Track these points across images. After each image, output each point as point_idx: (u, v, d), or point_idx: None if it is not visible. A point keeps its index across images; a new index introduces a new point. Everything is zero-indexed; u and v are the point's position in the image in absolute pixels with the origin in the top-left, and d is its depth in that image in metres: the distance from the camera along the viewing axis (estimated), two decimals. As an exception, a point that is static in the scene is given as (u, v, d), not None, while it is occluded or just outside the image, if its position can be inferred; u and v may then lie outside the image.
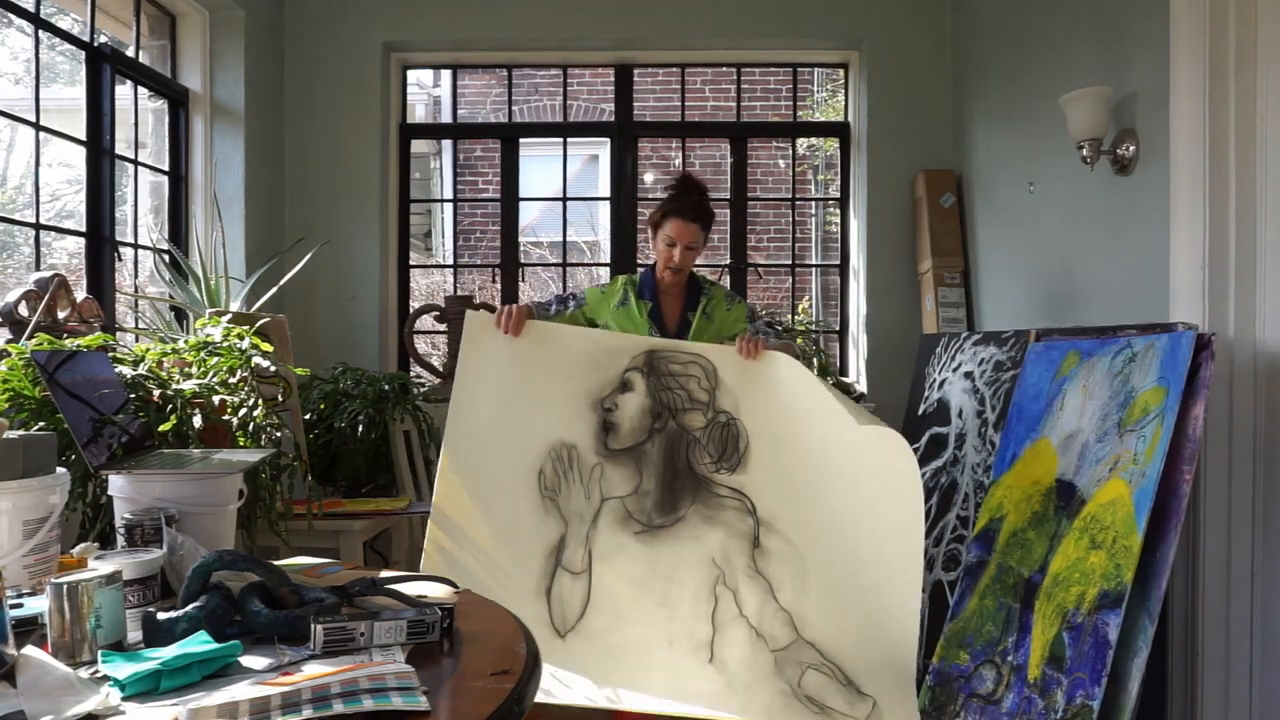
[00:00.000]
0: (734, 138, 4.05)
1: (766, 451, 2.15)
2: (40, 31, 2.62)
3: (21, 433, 1.48)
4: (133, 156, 3.11)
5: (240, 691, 1.03)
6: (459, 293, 4.81)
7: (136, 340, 2.87)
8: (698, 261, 2.58)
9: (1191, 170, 2.11)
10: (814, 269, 6.01)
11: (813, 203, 6.56)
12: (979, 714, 2.15)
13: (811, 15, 3.72)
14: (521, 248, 4.23)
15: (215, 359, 2.28)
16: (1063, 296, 2.79)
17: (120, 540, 1.53)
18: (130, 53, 3.06)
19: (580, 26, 3.75)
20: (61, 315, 2.29)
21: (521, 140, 4.06)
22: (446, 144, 7.13)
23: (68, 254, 5.43)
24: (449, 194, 7.20)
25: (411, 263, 4.01)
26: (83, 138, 2.80)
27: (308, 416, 3.11)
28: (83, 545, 1.57)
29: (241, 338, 2.37)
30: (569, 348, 2.24)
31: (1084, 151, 2.41)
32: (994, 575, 2.31)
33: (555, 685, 2.04)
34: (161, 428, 2.00)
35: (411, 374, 3.80)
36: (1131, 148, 2.37)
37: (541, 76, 6.87)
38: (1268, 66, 2.03)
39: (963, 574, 2.45)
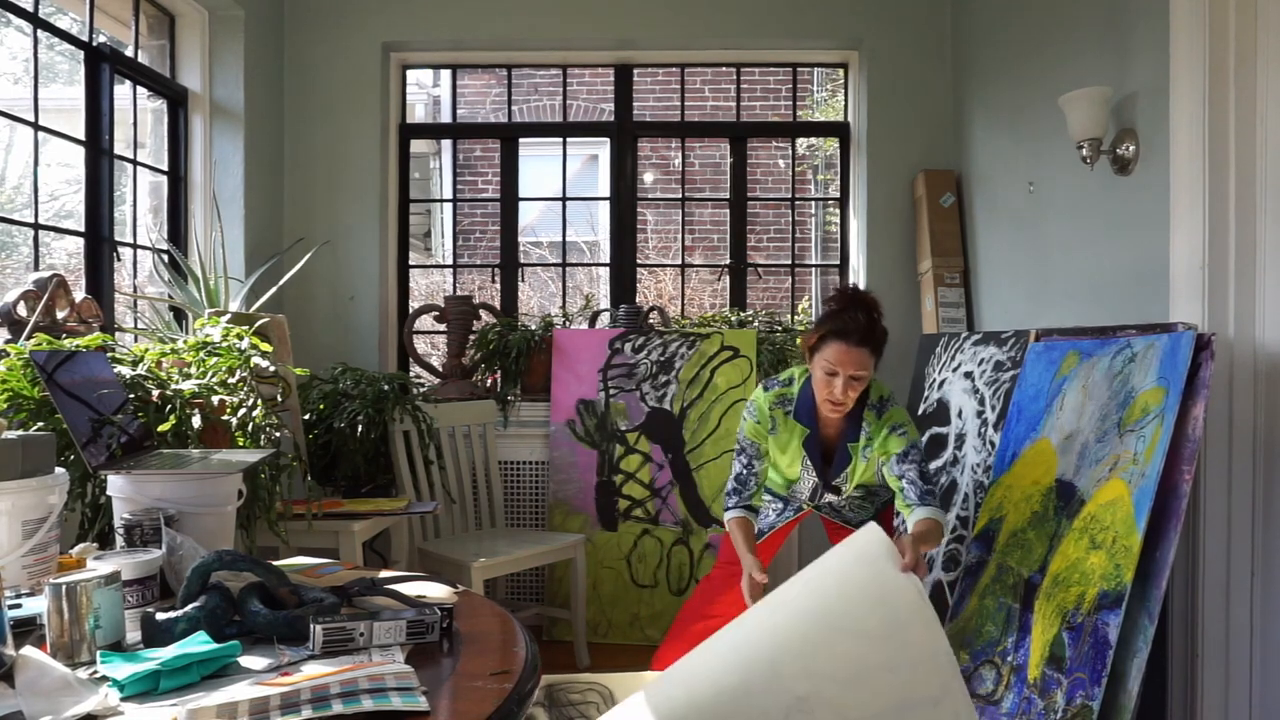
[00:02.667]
0: (734, 138, 4.05)
1: None
2: (39, 31, 2.62)
3: (20, 433, 1.48)
4: (132, 156, 3.10)
5: (239, 692, 1.02)
6: (459, 293, 4.81)
7: (135, 340, 2.87)
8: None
9: (1191, 170, 2.11)
10: (814, 269, 6.01)
11: (812, 203, 6.56)
12: (979, 714, 2.15)
13: (811, 15, 3.72)
14: (521, 248, 4.23)
15: (214, 359, 2.28)
16: (1063, 296, 2.78)
17: (119, 540, 1.53)
18: (129, 52, 3.06)
19: (580, 26, 3.75)
20: (60, 315, 2.29)
21: (521, 140, 4.06)
22: (446, 144, 7.13)
23: (67, 254, 5.43)
24: (449, 194, 7.20)
25: (411, 263, 4.01)
26: (82, 138, 2.80)
27: (307, 416, 3.11)
28: (82, 545, 1.57)
29: (241, 338, 2.37)
30: None
31: (1084, 151, 2.40)
32: (994, 575, 2.31)
33: None
34: (161, 428, 2.00)
35: (411, 374, 3.80)
36: (1131, 148, 2.37)
37: (541, 76, 6.87)
38: (1268, 66, 2.03)
39: (962, 574, 2.45)
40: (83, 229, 2.85)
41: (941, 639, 1.55)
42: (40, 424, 1.80)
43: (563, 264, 4.15)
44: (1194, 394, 1.89)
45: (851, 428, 2.20)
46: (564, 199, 4.13)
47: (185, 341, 2.38)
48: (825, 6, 3.71)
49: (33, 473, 1.42)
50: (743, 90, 4.15)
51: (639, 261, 4.08)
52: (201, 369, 2.26)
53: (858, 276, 3.82)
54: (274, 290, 3.23)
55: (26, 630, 1.23)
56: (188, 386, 2.14)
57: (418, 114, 6.83)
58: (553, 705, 2.19)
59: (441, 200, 7.40)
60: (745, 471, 2.27)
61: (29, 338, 2.04)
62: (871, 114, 3.72)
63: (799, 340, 2.42)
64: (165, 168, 3.29)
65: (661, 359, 3.56)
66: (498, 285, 4.08)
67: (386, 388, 3.19)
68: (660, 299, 6.33)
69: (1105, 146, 2.42)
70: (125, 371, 2.09)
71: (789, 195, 6.49)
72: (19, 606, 1.28)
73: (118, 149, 2.94)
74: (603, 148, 6.03)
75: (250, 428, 2.21)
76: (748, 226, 4.03)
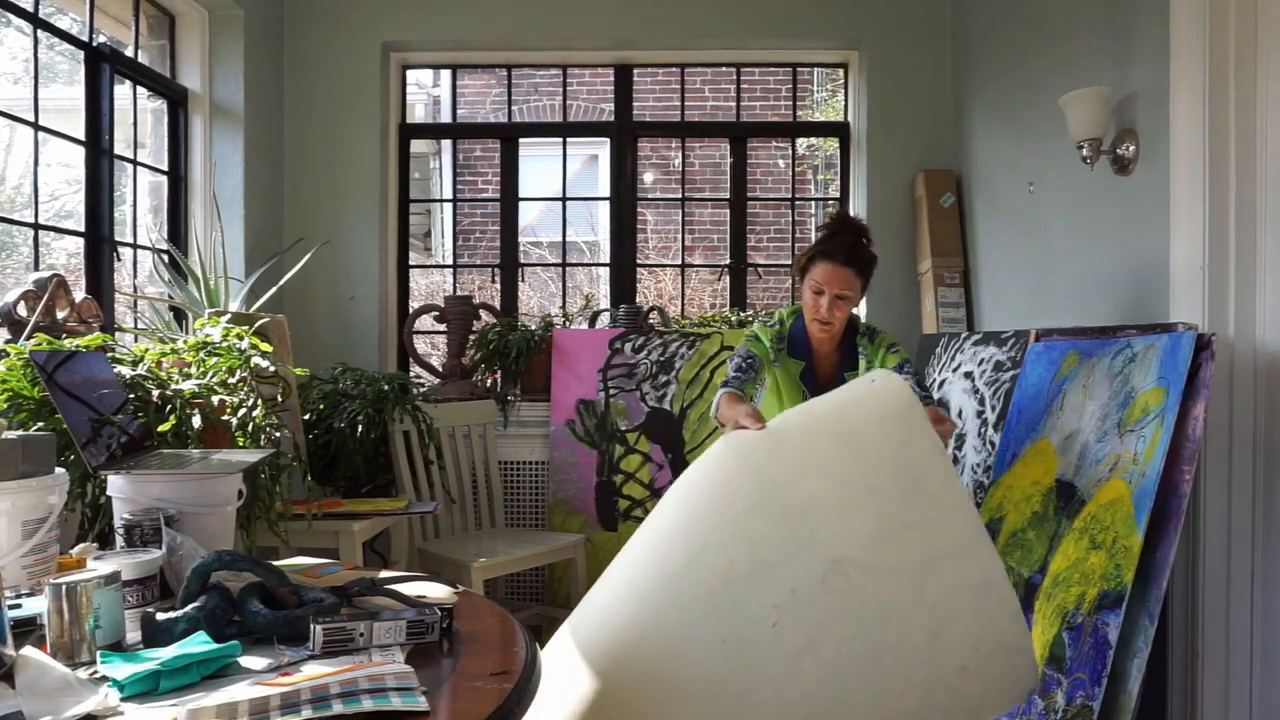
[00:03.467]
0: (734, 138, 4.05)
1: None
2: (39, 31, 2.62)
3: (20, 433, 1.47)
4: (132, 156, 3.10)
5: (239, 692, 1.02)
6: (458, 293, 4.81)
7: (136, 340, 2.87)
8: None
9: (1191, 170, 2.11)
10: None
11: (812, 203, 6.56)
12: (979, 714, 2.15)
13: (811, 15, 3.72)
14: (521, 248, 4.23)
15: (214, 359, 2.28)
16: (1063, 296, 2.78)
17: (119, 541, 1.53)
18: (129, 52, 3.06)
19: (580, 26, 3.75)
20: (60, 315, 2.29)
21: (521, 140, 4.06)
22: (446, 144, 7.13)
23: (67, 254, 5.43)
24: (449, 194, 7.20)
25: (411, 263, 4.01)
26: (82, 138, 2.80)
27: (307, 417, 3.11)
28: (82, 546, 1.57)
29: (241, 338, 2.37)
30: None
31: (1084, 151, 2.40)
32: (994, 575, 2.30)
33: None
34: (161, 428, 2.00)
35: (411, 374, 3.80)
36: (1131, 148, 2.37)
37: (541, 76, 6.87)
38: (1268, 67, 2.03)
39: (963, 574, 2.44)
40: (83, 229, 2.85)
41: (961, 492, 1.64)
42: (40, 424, 1.80)
43: (563, 264, 4.15)
44: (1194, 394, 1.89)
45: (847, 357, 2.26)
46: (564, 199, 4.13)
47: (185, 341, 2.38)
48: (825, 6, 3.71)
49: (33, 473, 1.42)
50: (743, 90, 4.15)
51: (639, 261, 4.08)
52: (201, 369, 2.25)
53: (858, 276, 3.81)
54: (274, 290, 3.23)
55: (26, 630, 1.23)
56: (188, 386, 2.14)
57: (418, 114, 6.83)
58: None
59: (441, 200, 7.40)
60: (742, 366, 2.18)
61: (29, 338, 2.04)
62: (871, 114, 3.72)
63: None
64: (165, 168, 3.29)
65: (661, 359, 3.56)
66: (498, 285, 4.08)
67: (386, 388, 3.19)
68: (660, 299, 6.33)
69: (1105, 146, 2.42)
70: (125, 371, 2.09)
71: (789, 195, 6.49)
72: (19, 606, 1.28)
73: (118, 149, 2.94)
74: (603, 148, 6.03)
75: (250, 428, 2.21)
76: (748, 226, 4.03)
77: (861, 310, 3.75)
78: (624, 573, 1.73)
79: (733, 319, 3.81)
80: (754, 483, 1.67)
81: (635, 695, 1.57)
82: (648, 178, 7.13)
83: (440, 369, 3.73)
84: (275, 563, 1.47)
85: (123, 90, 3.01)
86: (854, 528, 1.57)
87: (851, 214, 2.38)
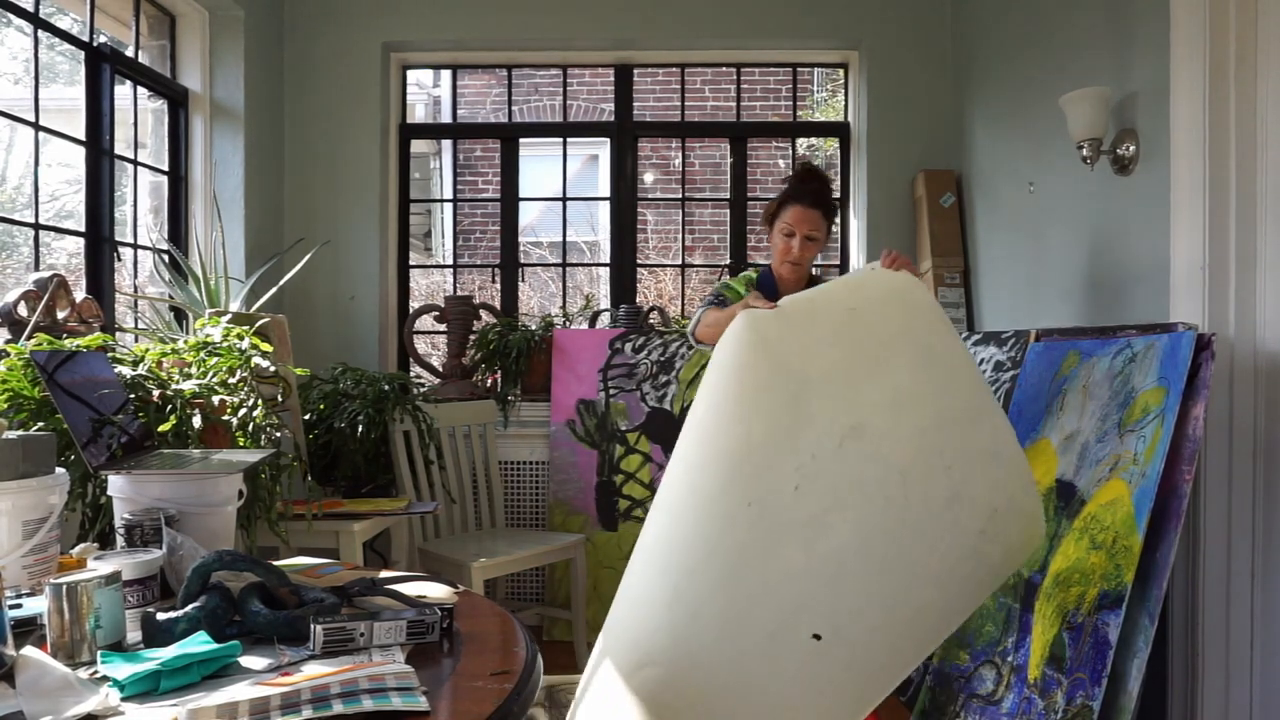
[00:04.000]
0: (734, 138, 4.05)
1: None
2: (39, 31, 2.62)
3: (21, 433, 1.48)
4: (132, 156, 3.10)
5: (240, 692, 1.02)
6: (459, 293, 4.81)
7: (136, 340, 2.87)
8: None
9: (1191, 170, 2.11)
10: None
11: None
12: (979, 714, 2.15)
13: (811, 15, 3.72)
14: (521, 248, 4.23)
15: (215, 359, 2.28)
16: (1063, 296, 2.78)
17: (120, 540, 1.53)
18: (130, 53, 3.06)
19: (580, 26, 3.75)
20: (61, 315, 2.29)
21: (521, 140, 4.06)
22: (446, 144, 7.13)
23: (67, 254, 5.43)
24: (449, 194, 7.20)
25: (411, 263, 4.01)
26: (82, 138, 2.80)
27: (307, 416, 3.11)
28: (82, 546, 1.57)
29: (241, 338, 2.37)
30: None
31: (1084, 151, 2.40)
32: (994, 575, 2.31)
33: None
34: (161, 428, 2.00)
35: (411, 374, 3.80)
36: (1131, 148, 2.37)
37: (541, 76, 6.87)
38: (1268, 66, 2.03)
39: (963, 574, 2.45)
40: (83, 229, 2.85)
41: (967, 358, 1.77)
42: (40, 424, 1.80)
43: (563, 264, 4.15)
44: (1194, 394, 1.89)
45: None
46: (564, 199, 4.14)
47: (185, 341, 2.38)
48: (825, 6, 3.71)
49: (33, 473, 1.42)
50: (743, 90, 4.15)
51: (639, 261, 4.08)
52: (202, 369, 2.26)
53: (858, 276, 3.82)
54: (274, 290, 3.23)
55: (27, 630, 1.23)
56: (188, 386, 2.14)
57: (418, 114, 6.83)
58: (553, 706, 2.19)
59: (442, 200, 7.40)
60: (714, 301, 2.31)
61: (29, 338, 2.04)
62: (871, 114, 3.72)
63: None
64: (165, 168, 3.29)
65: (661, 359, 3.56)
66: (498, 285, 4.08)
67: (387, 388, 3.19)
68: (660, 299, 6.33)
69: (1105, 146, 2.42)
70: (125, 371, 2.09)
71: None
72: (19, 606, 1.28)
73: (118, 149, 2.94)
74: (603, 148, 6.02)
75: (250, 428, 2.21)
76: (748, 226, 4.03)
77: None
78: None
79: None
80: (765, 358, 1.73)
81: (659, 552, 1.63)
82: (648, 178, 7.13)
83: (440, 369, 3.73)
84: (275, 563, 1.48)
85: (123, 90, 3.01)
86: (867, 396, 1.65)
87: (813, 163, 2.60)
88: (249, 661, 1.15)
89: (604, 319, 3.88)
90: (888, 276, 1.92)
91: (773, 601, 1.53)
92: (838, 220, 4.02)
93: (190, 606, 1.23)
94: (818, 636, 1.50)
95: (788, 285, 2.40)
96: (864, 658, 1.55)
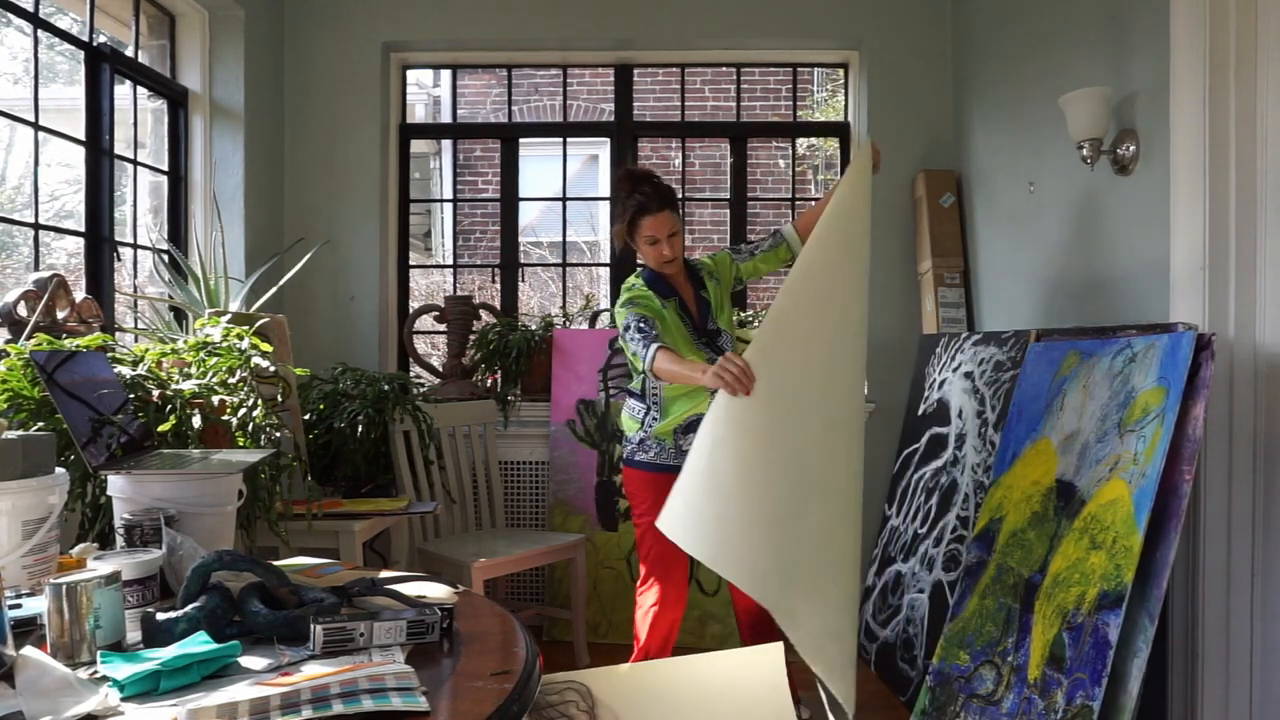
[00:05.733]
0: (734, 138, 4.05)
1: None
2: (39, 31, 2.62)
3: (21, 433, 1.48)
4: (132, 156, 3.10)
5: (239, 692, 1.02)
6: (459, 293, 4.81)
7: (136, 340, 2.87)
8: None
9: (1191, 170, 2.11)
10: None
11: (813, 203, 6.56)
12: (979, 714, 2.15)
13: (811, 15, 3.72)
14: (521, 248, 4.23)
15: (215, 359, 2.28)
16: (1063, 296, 2.78)
17: (119, 540, 1.53)
18: (129, 52, 3.06)
19: (580, 26, 3.75)
20: (60, 315, 2.29)
21: (521, 140, 4.06)
22: (446, 144, 7.13)
23: (67, 254, 5.44)
24: (449, 194, 7.20)
25: (411, 263, 4.01)
26: (82, 138, 2.80)
27: (307, 416, 3.11)
28: (82, 546, 1.57)
29: (241, 338, 2.37)
30: None
31: (1084, 151, 2.40)
32: (994, 575, 2.30)
33: None
34: (161, 428, 2.00)
35: (411, 374, 3.80)
36: (1131, 148, 2.37)
37: (541, 76, 6.87)
38: (1268, 66, 2.03)
39: (963, 574, 2.45)
40: (83, 229, 2.85)
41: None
42: (40, 424, 1.80)
43: (563, 264, 4.16)
44: (1194, 394, 1.89)
45: (695, 282, 2.61)
46: (564, 199, 4.14)
47: (185, 342, 2.38)
48: (825, 6, 3.71)
49: (33, 473, 1.42)
50: (743, 90, 4.15)
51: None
52: (202, 369, 2.25)
53: (858, 276, 3.82)
54: (274, 290, 3.23)
55: (27, 630, 1.23)
56: (188, 386, 2.14)
57: (418, 114, 6.83)
58: (533, 706, 2.17)
59: (442, 200, 7.40)
60: (643, 327, 2.36)
61: (29, 338, 2.04)
62: (871, 114, 3.72)
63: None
64: (165, 168, 3.29)
65: (661, 359, 3.55)
66: (498, 285, 4.08)
67: (386, 388, 3.19)
68: (660, 299, 6.32)
69: (1105, 146, 2.42)
70: (125, 371, 2.09)
71: (789, 195, 6.49)
72: (19, 606, 1.28)
73: (118, 149, 2.94)
74: (603, 148, 6.03)
75: (250, 428, 2.21)
76: (748, 227, 4.03)
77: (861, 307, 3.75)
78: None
79: (733, 318, 3.81)
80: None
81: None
82: (648, 178, 7.13)
83: (440, 369, 3.73)
84: (275, 563, 1.48)
85: (123, 90, 3.01)
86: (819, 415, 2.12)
87: (631, 166, 2.73)
88: (249, 661, 1.15)
89: (604, 319, 3.88)
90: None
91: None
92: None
93: (190, 606, 1.23)
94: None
95: (674, 280, 2.56)
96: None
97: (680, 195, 4.27)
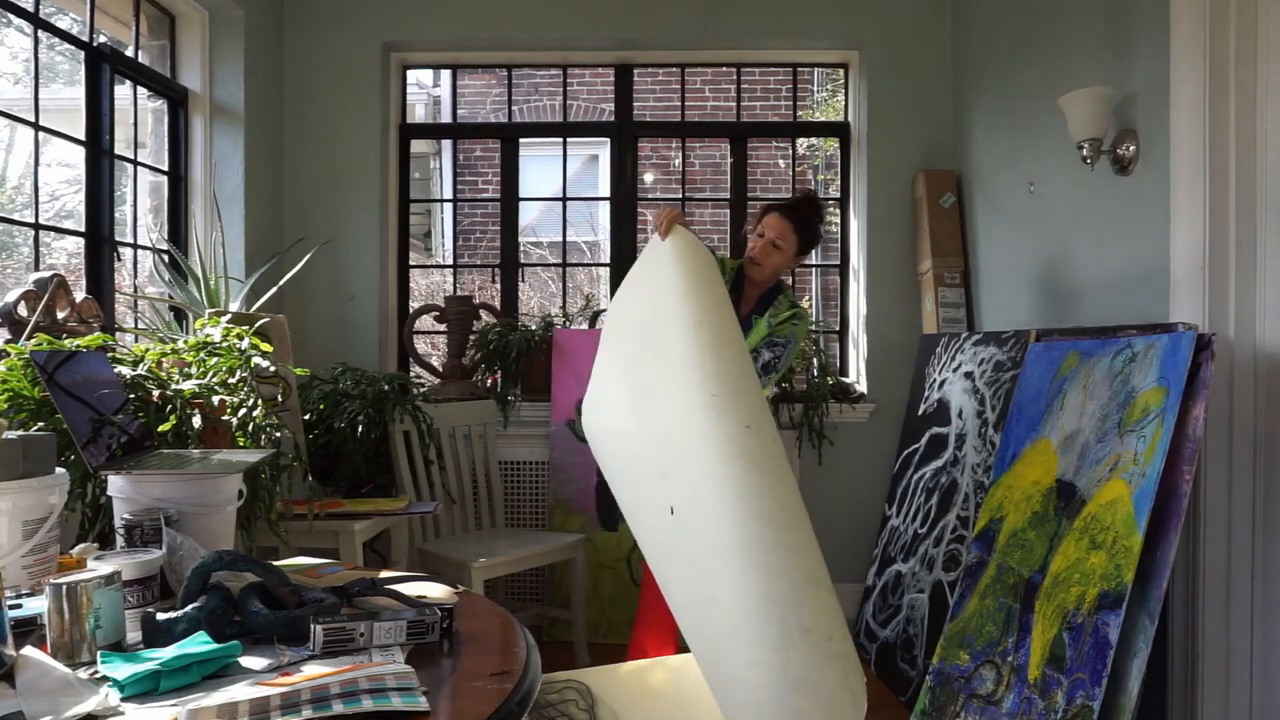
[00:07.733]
0: (734, 138, 4.05)
1: None
2: (39, 31, 2.62)
3: (21, 433, 1.47)
4: (132, 156, 3.10)
5: (240, 692, 1.02)
6: (459, 293, 4.81)
7: (136, 340, 2.87)
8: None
9: (1191, 170, 2.11)
10: (814, 269, 6.00)
11: (812, 203, 6.55)
12: (979, 714, 2.15)
13: (811, 15, 3.72)
14: (521, 248, 4.23)
15: (215, 359, 2.27)
16: (1063, 296, 2.78)
17: (120, 541, 1.53)
18: (130, 52, 3.06)
19: (580, 26, 3.75)
20: (61, 315, 2.29)
21: (521, 140, 4.06)
22: (446, 144, 7.13)
23: (67, 254, 5.44)
24: (449, 194, 7.20)
25: (411, 263, 4.01)
26: (82, 138, 2.80)
27: (307, 417, 3.11)
28: (82, 546, 1.57)
29: (241, 338, 2.37)
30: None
31: (1084, 151, 2.40)
32: (994, 575, 2.31)
33: None
34: (161, 428, 2.00)
35: (411, 374, 3.80)
36: (1131, 148, 2.37)
37: (541, 76, 6.87)
38: (1268, 66, 2.03)
39: (963, 574, 2.45)
40: (83, 229, 2.85)
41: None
42: (40, 424, 1.80)
43: (563, 264, 4.15)
44: (1194, 394, 1.89)
45: (762, 305, 2.62)
46: (564, 199, 4.13)
47: (185, 342, 2.37)
48: (825, 6, 3.71)
49: (33, 473, 1.42)
50: (743, 90, 4.15)
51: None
52: (202, 369, 2.25)
53: (858, 276, 3.82)
54: (274, 290, 3.23)
55: (27, 630, 1.23)
56: (188, 386, 2.14)
57: (418, 114, 6.82)
58: (533, 706, 2.18)
59: (442, 200, 7.39)
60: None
61: (29, 338, 2.04)
62: (871, 114, 3.72)
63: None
64: (165, 168, 3.29)
65: (661, 359, 3.55)
66: (498, 285, 4.08)
67: (386, 388, 3.19)
68: (660, 299, 6.31)
69: (1105, 146, 2.42)
70: (125, 371, 2.09)
71: (789, 195, 6.48)
72: (19, 606, 1.28)
73: (118, 149, 2.94)
74: (603, 148, 6.03)
75: (250, 428, 2.21)
76: (748, 226, 4.03)
77: (862, 308, 3.75)
78: None
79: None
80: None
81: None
82: (648, 178, 7.13)
83: (440, 369, 3.73)
84: (275, 563, 1.48)
85: (123, 90, 3.01)
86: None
87: (812, 192, 2.78)
88: (249, 661, 1.15)
89: (604, 319, 3.87)
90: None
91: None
92: (838, 219, 4.03)
93: (190, 607, 1.23)
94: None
95: (750, 286, 2.60)
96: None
97: (680, 195, 4.28)
